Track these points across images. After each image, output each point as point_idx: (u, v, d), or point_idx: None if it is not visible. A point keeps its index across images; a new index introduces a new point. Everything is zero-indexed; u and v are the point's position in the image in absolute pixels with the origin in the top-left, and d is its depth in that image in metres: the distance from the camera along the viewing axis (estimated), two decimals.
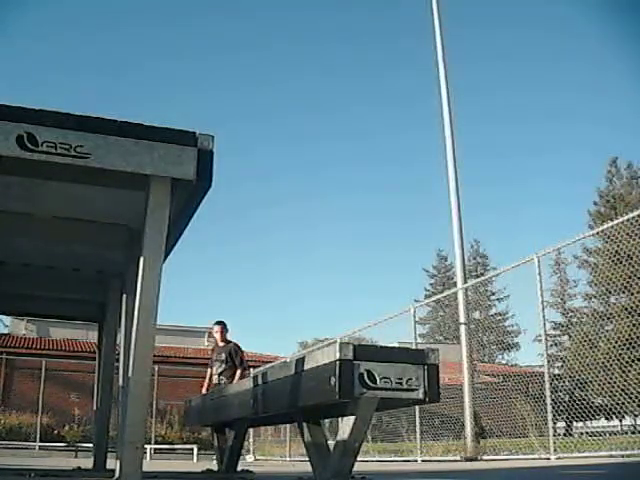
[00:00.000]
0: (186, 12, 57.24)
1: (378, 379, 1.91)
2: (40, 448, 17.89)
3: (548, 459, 7.45)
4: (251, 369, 17.83)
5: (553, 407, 7.72)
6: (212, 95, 59.22)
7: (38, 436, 18.79)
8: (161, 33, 54.81)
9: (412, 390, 1.95)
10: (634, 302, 8.77)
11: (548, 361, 8.39)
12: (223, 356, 7.75)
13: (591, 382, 9.19)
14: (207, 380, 7.98)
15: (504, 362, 24.79)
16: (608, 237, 8.89)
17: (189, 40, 58.53)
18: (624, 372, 8.78)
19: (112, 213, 2.59)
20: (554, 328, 20.74)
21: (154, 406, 19.54)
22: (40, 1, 38.20)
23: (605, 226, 8.46)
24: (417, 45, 45.64)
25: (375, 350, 2.01)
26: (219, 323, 8.01)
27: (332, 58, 61.40)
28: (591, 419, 9.53)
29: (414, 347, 10.21)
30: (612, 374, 8.68)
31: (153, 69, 55.67)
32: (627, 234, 7.66)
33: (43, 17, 45.56)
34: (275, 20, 60.33)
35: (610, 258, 9.93)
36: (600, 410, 8.79)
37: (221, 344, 7.94)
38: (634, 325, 9.13)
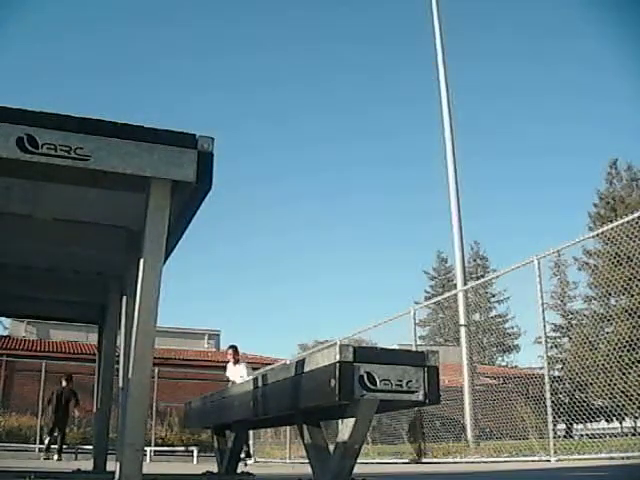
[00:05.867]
0: (196, 12, 57.29)
1: (378, 381, 1.91)
2: (40, 450, 17.84)
3: (548, 461, 7.44)
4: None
5: (553, 409, 7.71)
6: (214, 96, 59.22)
7: (38, 438, 18.75)
8: (173, 33, 54.84)
9: (412, 392, 1.95)
10: (634, 304, 8.75)
11: (548, 363, 8.39)
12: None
13: (591, 384, 9.18)
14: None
15: (504, 364, 24.75)
16: (608, 239, 8.88)
17: (198, 40, 58.55)
18: (624, 374, 8.77)
19: (112, 215, 2.59)
20: (554, 330, 20.70)
21: (154, 408, 19.50)
22: (40, 2, 38.24)
23: (605, 228, 8.46)
24: (418, 46, 45.73)
25: (375, 352, 2.01)
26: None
27: (331, 60, 61.44)
28: (591, 421, 9.52)
29: (414, 349, 10.20)
30: (612, 376, 8.67)
31: (158, 69, 55.67)
32: (627, 236, 7.65)
33: (43, 18, 45.57)
34: (278, 22, 60.38)
35: (610, 260, 9.93)
36: (600, 412, 8.77)
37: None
38: (634, 327, 9.11)
